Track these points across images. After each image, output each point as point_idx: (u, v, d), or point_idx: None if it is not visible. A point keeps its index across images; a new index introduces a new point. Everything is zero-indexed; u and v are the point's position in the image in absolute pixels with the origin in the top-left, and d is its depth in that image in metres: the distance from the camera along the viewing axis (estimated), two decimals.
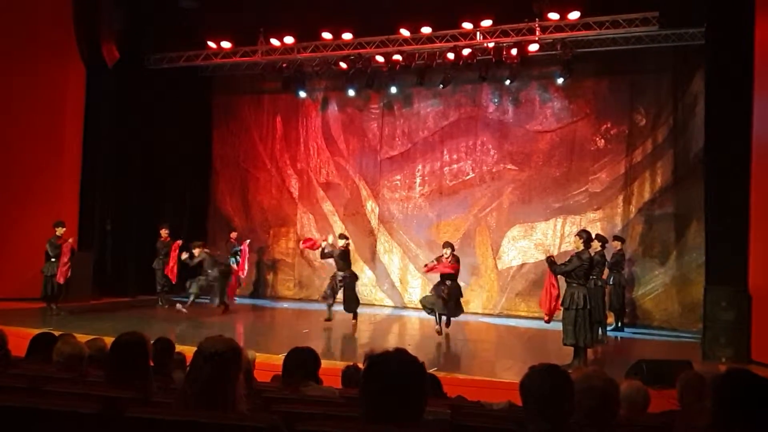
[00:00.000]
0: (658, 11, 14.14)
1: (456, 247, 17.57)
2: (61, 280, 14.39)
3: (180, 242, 16.50)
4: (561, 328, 10.61)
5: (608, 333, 14.10)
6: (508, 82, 16.61)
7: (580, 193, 16.73)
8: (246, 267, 18.29)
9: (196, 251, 15.69)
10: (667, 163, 16.00)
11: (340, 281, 14.40)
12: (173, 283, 16.71)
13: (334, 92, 19.17)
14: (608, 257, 14.10)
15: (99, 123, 17.26)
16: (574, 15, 14.63)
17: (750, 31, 11.66)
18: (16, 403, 3.43)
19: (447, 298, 13.50)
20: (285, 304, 18.12)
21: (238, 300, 18.53)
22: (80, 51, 16.69)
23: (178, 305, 15.15)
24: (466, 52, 15.70)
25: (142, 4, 17.00)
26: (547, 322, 11.26)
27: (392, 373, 2.83)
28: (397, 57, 16.33)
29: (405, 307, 17.97)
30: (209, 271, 15.62)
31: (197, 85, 19.67)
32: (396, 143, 18.72)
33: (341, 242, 14.63)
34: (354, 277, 14.79)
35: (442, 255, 13.83)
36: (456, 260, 13.85)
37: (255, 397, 4.30)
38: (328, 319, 14.17)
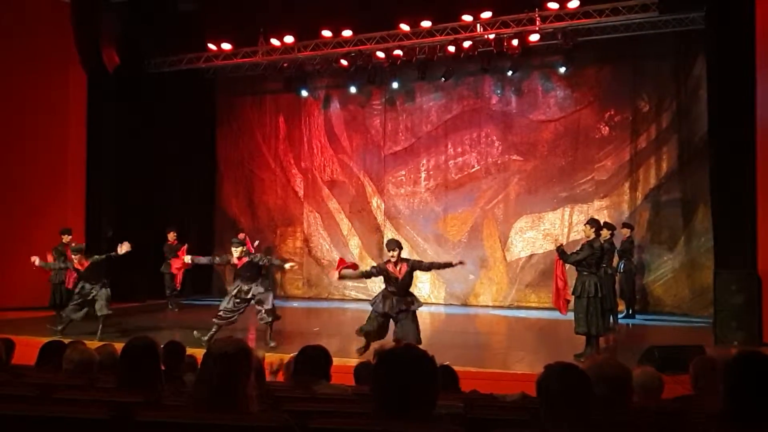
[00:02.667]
0: None
1: (465, 240, 17.69)
2: (70, 286, 14.31)
3: (186, 247, 16.50)
4: (572, 317, 10.61)
5: (619, 320, 14.08)
6: (510, 72, 16.61)
7: (586, 182, 16.70)
8: None
9: None
10: (672, 149, 15.96)
11: None
12: (177, 289, 16.62)
13: (336, 90, 19.18)
14: (617, 245, 14.09)
15: (102, 128, 17.28)
16: (573, 4, 14.60)
17: (750, 13, 11.59)
18: (28, 411, 3.43)
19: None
20: (294, 303, 18.10)
21: None
22: (81, 57, 16.71)
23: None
24: (466, 44, 15.66)
25: (141, 8, 16.99)
26: (564, 313, 11.23)
27: (403, 369, 2.82)
28: (398, 52, 16.30)
29: None
30: None
31: (199, 87, 19.65)
32: (399, 138, 18.70)
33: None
34: None
35: (389, 258, 10.55)
36: (409, 265, 10.58)
37: (266, 396, 4.29)
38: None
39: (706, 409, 3.90)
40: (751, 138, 11.53)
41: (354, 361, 7.05)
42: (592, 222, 10.80)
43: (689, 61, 15.65)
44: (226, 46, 17.53)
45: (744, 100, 11.68)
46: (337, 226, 19.25)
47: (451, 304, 17.64)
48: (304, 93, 18.90)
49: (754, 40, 11.56)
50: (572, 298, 10.86)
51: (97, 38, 16.78)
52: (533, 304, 16.76)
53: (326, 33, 16.64)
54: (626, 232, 14.78)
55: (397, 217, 18.62)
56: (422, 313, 16.45)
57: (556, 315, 12.00)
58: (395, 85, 17.94)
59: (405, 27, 16.03)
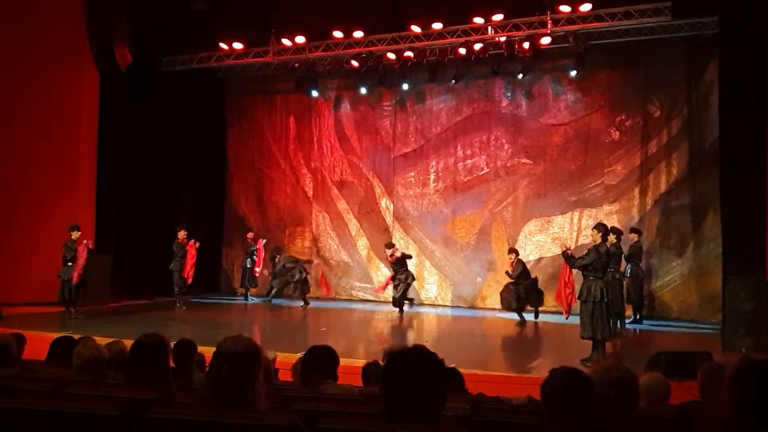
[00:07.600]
0: (669, 1, 14.08)
1: (473, 242, 17.69)
2: (75, 280, 14.36)
3: (196, 243, 16.53)
4: (578, 321, 10.60)
5: (627, 326, 14.03)
6: (520, 75, 16.59)
7: (595, 186, 16.66)
8: (262, 265, 18.39)
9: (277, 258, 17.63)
10: (683, 154, 15.92)
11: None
12: (188, 284, 16.73)
13: (347, 91, 19.20)
14: (625, 249, 14.05)
15: (113, 126, 17.35)
16: (585, 7, 14.59)
17: (764, 19, 11.58)
18: (38, 406, 3.45)
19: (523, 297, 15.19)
20: (302, 303, 18.13)
21: (255, 299, 18.56)
22: (93, 55, 16.78)
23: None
24: (477, 46, 15.67)
25: (154, 7, 17.05)
26: (566, 317, 11.28)
27: (411, 370, 2.83)
28: (409, 53, 16.33)
29: (422, 304, 17.96)
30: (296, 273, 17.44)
31: (210, 86, 19.72)
32: (409, 140, 18.70)
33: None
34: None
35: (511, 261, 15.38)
36: (520, 264, 15.35)
37: (275, 396, 4.30)
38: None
39: (713, 416, 3.90)
40: (762, 145, 11.52)
41: (361, 362, 7.05)
42: (600, 226, 10.79)
43: (701, 67, 15.61)
44: (238, 45, 17.59)
45: (755, 106, 11.66)
46: (346, 227, 19.27)
47: (458, 307, 17.65)
48: (315, 93, 18.94)
49: (767, 45, 11.54)
50: (577, 303, 10.86)
51: (110, 36, 16.84)
52: (541, 308, 16.70)
53: (337, 34, 16.68)
54: (634, 237, 14.74)
55: (405, 218, 18.62)
56: (429, 315, 16.62)
57: (563, 319, 11.99)
58: (405, 86, 17.96)
59: (416, 29, 16.06)
